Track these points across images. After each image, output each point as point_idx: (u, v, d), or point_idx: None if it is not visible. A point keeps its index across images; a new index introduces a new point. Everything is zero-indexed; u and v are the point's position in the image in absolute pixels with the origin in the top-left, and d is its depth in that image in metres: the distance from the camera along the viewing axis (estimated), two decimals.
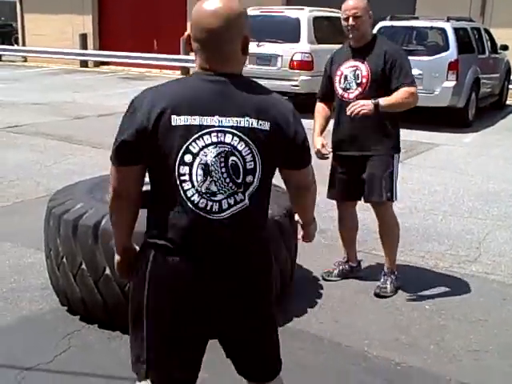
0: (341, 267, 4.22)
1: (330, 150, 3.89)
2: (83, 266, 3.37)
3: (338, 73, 3.80)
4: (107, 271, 3.28)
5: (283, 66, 11.20)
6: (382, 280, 4.02)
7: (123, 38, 20.26)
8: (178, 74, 18.53)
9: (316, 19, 11.56)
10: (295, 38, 11.18)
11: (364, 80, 3.70)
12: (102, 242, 3.26)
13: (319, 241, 4.96)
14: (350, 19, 3.66)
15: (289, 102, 1.98)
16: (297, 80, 11.09)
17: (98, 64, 20.44)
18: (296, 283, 3.94)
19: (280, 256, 3.56)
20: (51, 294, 3.75)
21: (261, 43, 11.33)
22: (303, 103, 11.89)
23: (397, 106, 3.65)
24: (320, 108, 4.03)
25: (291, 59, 11.12)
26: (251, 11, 11.92)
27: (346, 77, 3.76)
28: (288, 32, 11.32)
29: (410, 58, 3.87)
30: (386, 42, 3.89)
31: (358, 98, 3.68)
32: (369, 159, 3.80)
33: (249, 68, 11.48)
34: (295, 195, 2.17)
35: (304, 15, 11.36)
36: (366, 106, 3.54)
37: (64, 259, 3.45)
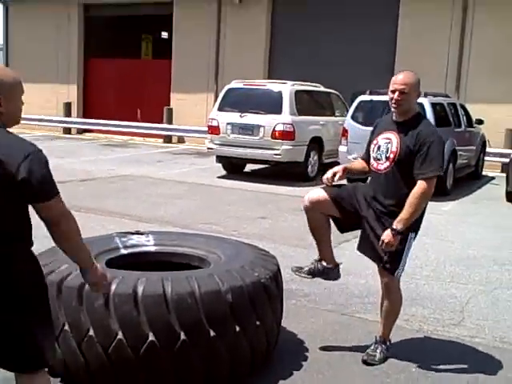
0: (313, 265, 4.04)
1: (336, 182, 3.90)
2: (66, 327, 3.32)
3: (375, 141, 3.85)
4: (91, 332, 3.24)
5: (265, 135, 11.44)
6: (372, 347, 3.94)
7: (107, 107, 20.62)
8: (160, 143, 18.82)
9: (298, 92, 11.92)
10: (278, 110, 11.48)
11: (391, 155, 3.70)
12: (87, 303, 3.24)
13: (304, 304, 4.98)
14: (396, 93, 3.65)
15: (31, 145, 2.31)
16: (279, 149, 11.32)
17: (81, 131, 20.69)
18: (281, 346, 3.91)
19: (266, 319, 3.55)
20: None
21: (244, 114, 11.64)
22: (285, 171, 12.22)
23: (413, 217, 3.59)
24: (358, 160, 4.17)
25: (273, 129, 11.38)
26: (234, 84, 12.31)
27: (379, 147, 3.79)
28: (271, 104, 11.65)
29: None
30: (426, 122, 3.82)
31: (385, 170, 3.73)
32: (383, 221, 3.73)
33: (232, 137, 11.78)
34: (49, 231, 2.43)
35: (286, 89, 11.72)
36: (387, 240, 3.58)
37: None
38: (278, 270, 3.82)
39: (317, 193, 3.92)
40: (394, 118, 3.83)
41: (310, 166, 11.92)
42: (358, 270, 5.69)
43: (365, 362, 3.87)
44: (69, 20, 21.02)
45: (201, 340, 3.25)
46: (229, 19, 18.44)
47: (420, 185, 3.59)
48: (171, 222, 7.77)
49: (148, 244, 4.23)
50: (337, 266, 4.08)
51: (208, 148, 12.39)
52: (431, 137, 3.66)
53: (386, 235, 3.61)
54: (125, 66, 20.92)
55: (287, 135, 11.34)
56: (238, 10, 18.20)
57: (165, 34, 23.01)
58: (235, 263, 3.66)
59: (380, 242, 3.65)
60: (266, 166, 12.59)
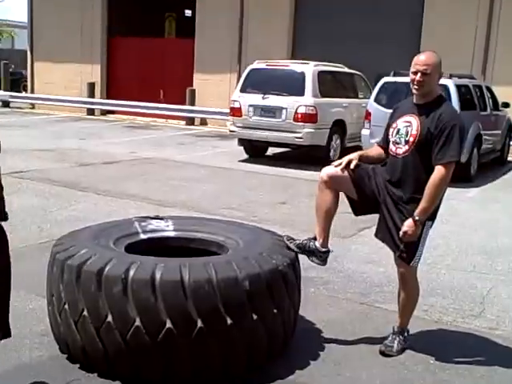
0: (305, 242, 3.85)
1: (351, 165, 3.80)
2: (85, 312, 3.34)
3: (394, 125, 3.76)
4: (109, 318, 3.26)
5: (287, 118, 11.36)
6: (389, 338, 3.89)
7: (130, 87, 20.62)
8: (182, 125, 18.82)
9: (321, 73, 11.78)
10: (300, 92, 11.37)
11: (411, 139, 3.62)
12: (105, 288, 3.25)
13: (322, 292, 4.95)
14: (419, 75, 3.57)
15: None
16: (300, 132, 11.23)
17: (104, 112, 20.74)
18: (298, 335, 3.90)
19: (283, 306, 3.54)
20: (51, 341, 3.71)
21: (266, 95, 11.56)
22: (306, 155, 12.13)
23: (433, 205, 3.55)
24: (376, 147, 4.04)
25: (295, 112, 11.29)
26: (257, 64, 12.21)
27: (398, 130, 3.70)
28: (293, 85, 11.54)
29: None
30: (448, 105, 3.73)
31: (404, 154, 3.65)
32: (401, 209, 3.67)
33: (254, 119, 11.72)
34: None
35: (309, 69, 11.59)
36: (411, 232, 3.54)
37: (66, 305, 3.43)
38: (296, 257, 3.80)
39: (336, 168, 3.80)
40: (414, 100, 3.73)
41: (332, 150, 11.81)
42: (378, 258, 5.66)
43: (382, 353, 3.83)
44: None
45: (218, 327, 3.26)
46: None
47: (438, 171, 3.51)
48: (192, 206, 7.77)
49: (167, 229, 4.23)
50: (328, 251, 3.92)
51: (230, 131, 12.34)
52: (452, 121, 3.56)
53: (408, 226, 3.55)
54: (148, 45, 20.82)
55: (309, 118, 11.25)
56: None
57: (188, 12, 22.89)
58: (253, 250, 3.64)
59: (401, 233, 3.59)
60: (288, 149, 12.53)
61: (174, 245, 4.12)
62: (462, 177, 10.40)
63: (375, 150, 4.03)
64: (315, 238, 3.88)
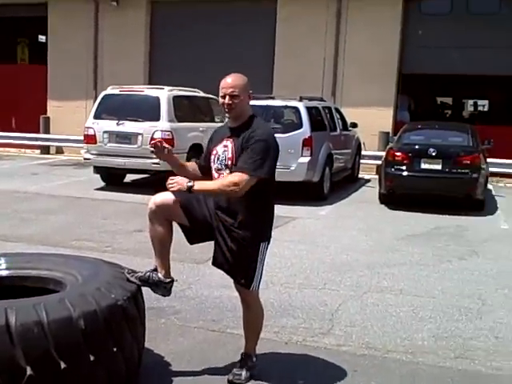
0: (147, 274, 3.69)
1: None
2: None
3: (214, 152, 3.70)
4: None
5: (144, 143, 11.16)
6: (238, 365, 3.82)
7: None
8: (37, 154, 17.96)
9: (176, 98, 11.73)
10: (155, 117, 11.24)
11: (229, 162, 3.59)
12: None
13: (173, 322, 4.83)
14: (227, 98, 3.55)
15: None
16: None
17: None
18: (144, 371, 3.74)
19: (125, 344, 3.37)
20: None
21: (121, 121, 11.31)
22: (164, 180, 11.92)
23: (213, 194, 3.57)
24: (192, 163, 3.98)
25: (152, 137, 11.09)
26: (111, 90, 11.95)
27: (218, 157, 3.66)
28: (148, 111, 11.38)
29: None
30: (259, 123, 3.68)
31: None
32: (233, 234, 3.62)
33: (109, 146, 11.42)
34: None
35: (164, 94, 11.51)
36: (179, 184, 3.47)
37: None
38: (139, 289, 3.66)
39: (165, 195, 3.65)
40: (229, 124, 3.74)
41: None
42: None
43: (230, 383, 3.74)
44: None
45: (50, 373, 3.02)
46: (107, 22, 17.93)
47: (237, 175, 3.46)
48: (41, 240, 7.34)
49: None
50: (171, 281, 3.77)
51: (84, 158, 11.91)
52: (260, 136, 3.53)
53: (181, 179, 3.50)
54: None
55: (166, 143, 11.06)
56: (116, 12, 17.76)
57: (42, 38, 22.03)
58: (91, 285, 3.45)
59: (169, 180, 3.52)
60: (147, 175, 12.32)
61: (6, 284, 3.82)
62: (315, 195, 10.83)
63: (192, 166, 3.94)
64: (156, 270, 3.75)
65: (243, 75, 3.69)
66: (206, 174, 3.83)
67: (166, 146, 3.78)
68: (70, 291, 3.44)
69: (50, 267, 3.91)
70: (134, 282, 3.64)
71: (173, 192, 3.62)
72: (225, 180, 3.53)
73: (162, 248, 3.72)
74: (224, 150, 3.65)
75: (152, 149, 3.79)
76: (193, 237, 3.80)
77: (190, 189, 3.45)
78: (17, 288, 3.78)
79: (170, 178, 3.54)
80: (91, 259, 4.13)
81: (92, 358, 3.15)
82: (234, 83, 3.58)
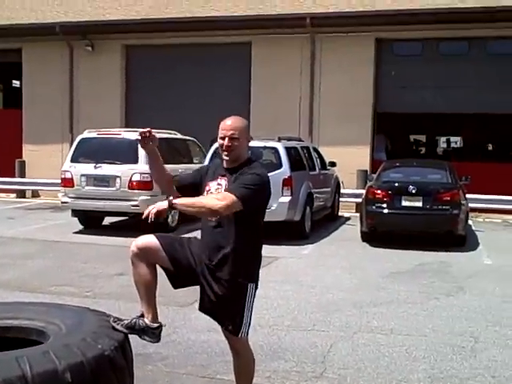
0: (134, 321, 3.54)
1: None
2: None
3: (207, 188, 3.61)
4: None
5: (122, 186, 11.06)
6: None
7: None
8: (13, 198, 17.68)
9: None
10: (134, 159, 11.13)
11: None
12: None
13: (161, 369, 4.66)
14: (226, 140, 3.48)
15: None
16: (137, 200, 10.95)
17: None
18: None
19: None
20: None
21: (98, 165, 11.20)
22: (143, 223, 11.76)
23: (193, 208, 3.36)
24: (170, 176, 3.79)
25: (130, 179, 11.03)
26: (88, 133, 11.87)
27: (211, 194, 3.57)
28: (126, 153, 11.29)
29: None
30: (256, 166, 3.59)
31: (217, 221, 3.47)
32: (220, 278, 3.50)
33: (87, 189, 11.29)
34: None
35: None
36: (159, 206, 3.33)
37: None
38: (126, 337, 3.50)
39: (147, 238, 3.55)
40: (224, 165, 3.63)
41: (170, 216, 11.62)
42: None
43: None
44: None
45: None
46: (82, 66, 17.92)
47: (223, 193, 3.38)
48: (18, 286, 7.12)
49: None
50: (160, 326, 3.63)
51: (62, 202, 11.73)
52: (253, 170, 3.48)
53: (160, 202, 3.35)
54: None
55: (145, 185, 11.01)
56: (91, 56, 17.78)
57: (16, 83, 21.96)
58: (76, 335, 3.28)
59: (149, 209, 3.36)
60: (125, 218, 12.16)
61: None
62: (297, 234, 10.76)
63: (169, 177, 3.78)
64: (143, 315, 3.61)
65: (243, 119, 3.64)
66: (183, 190, 3.70)
67: (155, 136, 3.61)
68: (54, 342, 3.27)
69: (32, 317, 3.73)
70: (121, 331, 3.47)
71: (155, 235, 3.53)
72: (209, 197, 3.44)
73: (148, 292, 3.59)
74: (217, 187, 3.57)
75: (139, 137, 3.62)
76: (177, 281, 3.67)
77: (171, 204, 3.31)
78: None
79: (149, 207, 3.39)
80: (74, 307, 3.96)
81: None
82: (234, 125, 3.53)
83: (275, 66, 16.19)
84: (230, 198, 3.32)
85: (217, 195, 3.42)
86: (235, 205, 3.33)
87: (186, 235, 3.87)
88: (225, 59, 16.85)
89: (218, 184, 3.58)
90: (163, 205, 3.34)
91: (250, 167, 3.53)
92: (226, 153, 3.54)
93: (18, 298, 6.12)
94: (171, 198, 3.39)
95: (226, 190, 3.42)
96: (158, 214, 3.34)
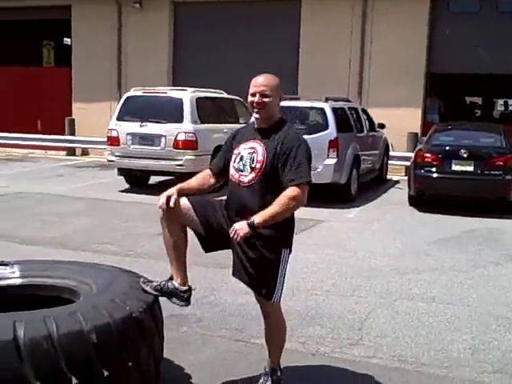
0: (163, 283, 3.51)
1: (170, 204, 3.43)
2: None
3: (236, 151, 3.50)
4: None
5: (167, 145, 11.04)
6: (261, 380, 3.59)
7: (5, 118, 19.46)
8: (62, 155, 17.97)
9: (199, 99, 11.58)
10: (179, 118, 11.10)
11: (258, 165, 3.37)
12: None
13: (195, 331, 4.64)
14: (257, 96, 3.38)
15: None
16: (181, 160, 10.93)
17: None
18: (164, 383, 3.54)
19: (140, 358, 3.17)
20: None
21: (144, 123, 11.20)
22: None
23: (276, 218, 3.28)
24: (202, 174, 3.68)
25: (175, 139, 10.99)
26: (134, 92, 11.85)
27: (242, 157, 3.45)
28: (171, 112, 11.25)
29: None
30: (290, 127, 3.52)
31: (250, 182, 3.39)
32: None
33: (132, 148, 11.31)
34: None
35: (187, 96, 11.35)
36: (240, 230, 3.25)
37: None
38: (156, 300, 3.46)
39: (179, 201, 3.46)
40: (256, 125, 3.52)
41: None
42: None
43: None
44: None
45: None
46: (130, 24, 17.90)
47: (290, 190, 3.28)
48: (61, 243, 7.22)
49: (13, 276, 3.76)
50: (189, 289, 3.57)
51: (108, 160, 11.83)
52: (297, 141, 3.38)
53: (239, 225, 3.26)
54: (24, 74, 19.80)
55: (189, 145, 10.98)
56: (140, 14, 17.71)
57: (67, 40, 22.12)
58: (105, 296, 3.26)
59: (231, 230, 3.29)
60: (171, 177, 12.17)
61: (20, 294, 3.66)
62: (343, 197, 10.57)
63: (196, 180, 3.68)
64: (172, 278, 3.55)
65: (275, 76, 3.50)
66: (222, 174, 3.63)
67: (172, 201, 3.42)
68: (83, 302, 3.26)
69: (66, 275, 3.74)
70: (150, 292, 3.43)
71: (187, 197, 3.44)
72: (283, 199, 3.28)
73: (177, 255, 3.52)
74: (251, 151, 3.43)
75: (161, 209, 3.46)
76: (208, 245, 3.60)
77: (252, 226, 3.24)
78: (31, 297, 3.62)
79: (231, 231, 3.31)
80: (108, 267, 3.94)
81: (106, 374, 2.96)
82: (265, 82, 3.41)
83: (325, 24, 15.78)
84: (302, 189, 3.29)
85: (291, 192, 3.27)
86: (305, 189, 3.31)
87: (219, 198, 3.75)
88: (274, 18, 16.51)
89: (251, 148, 3.44)
90: (245, 230, 3.25)
91: (284, 133, 3.40)
92: (256, 110, 3.41)
93: (60, 255, 6.19)
94: (252, 219, 3.25)
95: (292, 183, 3.28)
96: (241, 239, 3.29)
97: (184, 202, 3.47)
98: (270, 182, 3.36)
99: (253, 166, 3.40)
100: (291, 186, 3.29)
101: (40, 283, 3.71)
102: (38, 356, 2.79)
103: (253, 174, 3.39)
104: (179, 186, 3.57)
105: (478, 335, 4.68)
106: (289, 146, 3.34)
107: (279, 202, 3.27)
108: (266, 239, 3.37)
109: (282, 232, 3.43)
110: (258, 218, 3.24)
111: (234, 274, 3.58)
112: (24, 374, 2.77)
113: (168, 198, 3.42)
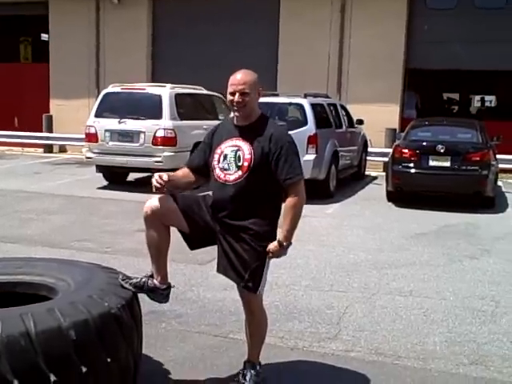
0: (143, 280, 3.49)
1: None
2: None
3: (218, 151, 3.47)
4: None
5: (146, 142, 11.01)
6: (241, 374, 3.61)
7: None
8: (40, 152, 17.82)
9: (178, 96, 11.54)
10: (158, 115, 11.06)
11: (246, 163, 3.36)
12: None
13: (174, 327, 4.64)
14: (237, 95, 3.36)
15: None
16: (160, 156, 10.90)
17: None
18: (142, 380, 3.54)
19: (119, 354, 3.17)
20: None
21: (122, 120, 11.15)
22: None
23: (295, 227, 3.42)
24: (182, 171, 3.65)
25: (154, 135, 10.96)
26: (112, 88, 11.78)
27: (225, 156, 3.43)
28: (150, 108, 11.21)
29: None
30: (273, 123, 3.54)
31: (236, 180, 3.38)
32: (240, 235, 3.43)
33: (111, 145, 11.26)
34: None
35: (166, 92, 11.31)
36: (278, 251, 3.39)
37: None
38: (135, 296, 3.47)
39: (162, 200, 3.44)
40: (235, 122, 3.51)
41: None
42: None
43: None
44: None
45: None
46: (108, 19, 17.77)
47: (292, 191, 3.35)
48: (39, 241, 7.17)
49: None
50: (169, 287, 3.59)
51: (86, 157, 11.75)
52: (285, 137, 3.42)
53: (274, 246, 3.37)
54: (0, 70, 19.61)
55: (169, 141, 10.95)
56: (118, 9, 17.59)
57: (45, 36, 21.88)
58: (83, 292, 3.26)
59: (269, 256, 3.41)
60: (150, 174, 12.13)
61: None
62: (321, 193, 10.62)
63: (182, 174, 3.65)
64: (152, 276, 3.55)
65: (252, 71, 3.49)
66: (202, 173, 3.62)
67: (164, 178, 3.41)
68: (61, 299, 3.25)
69: (43, 272, 3.72)
70: (129, 289, 3.43)
71: (171, 196, 3.46)
72: (291, 203, 3.37)
73: (159, 254, 3.52)
74: (235, 149, 3.42)
75: (155, 186, 3.43)
76: (194, 243, 3.61)
77: (285, 245, 3.39)
78: (8, 295, 3.60)
79: (270, 255, 3.42)
80: (86, 264, 3.93)
81: (84, 370, 2.96)
82: (244, 80, 3.39)
83: (304, 20, 15.79)
84: (300, 188, 3.38)
85: (295, 194, 3.36)
86: (302, 183, 3.42)
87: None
88: (253, 12, 16.50)
89: (235, 146, 3.43)
90: (280, 252, 3.40)
91: (268, 129, 3.41)
92: (236, 108, 3.40)
93: (38, 253, 6.17)
94: (278, 238, 3.38)
95: (290, 183, 3.35)
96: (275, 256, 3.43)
97: (169, 201, 3.47)
98: (257, 178, 3.37)
99: (239, 164, 3.39)
100: (289, 184, 3.35)
101: (17, 280, 3.69)
102: (15, 353, 2.77)
103: (239, 172, 3.39)
104: (169, 173, 3.52)
105: (454, 328, 4.76)
106: (279, 143, 3.35)
107: (289, 216, 3.37)
108: (255, 233, 3.40)
109: (269, 226, 3.47)
110: (285, 241, 3.38)
111: (218, 270, 3.60)
112: (1, 372, 2.76)
113: (160, 176, 3.40)
